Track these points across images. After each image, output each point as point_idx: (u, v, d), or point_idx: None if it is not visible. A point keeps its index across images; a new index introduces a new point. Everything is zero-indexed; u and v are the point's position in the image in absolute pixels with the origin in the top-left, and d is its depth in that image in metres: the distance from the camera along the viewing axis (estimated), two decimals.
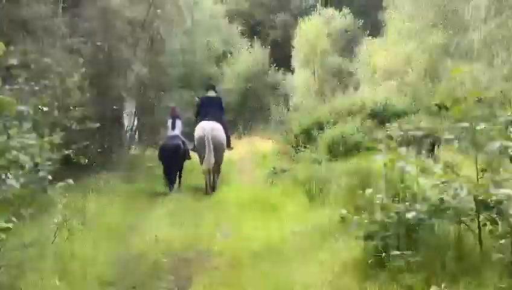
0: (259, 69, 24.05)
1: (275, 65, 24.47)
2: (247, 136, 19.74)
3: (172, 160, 9.09)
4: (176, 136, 9.49)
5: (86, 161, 5.38)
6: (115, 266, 4.89)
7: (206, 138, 8.84)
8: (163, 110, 12.28)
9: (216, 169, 9.25)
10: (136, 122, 12.47)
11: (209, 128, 9.02)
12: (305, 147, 10.76)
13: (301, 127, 11.98)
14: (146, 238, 5.80)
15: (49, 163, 3.69)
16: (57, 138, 3.55)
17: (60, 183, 3.54)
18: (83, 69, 6.98)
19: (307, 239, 5.38)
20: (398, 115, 11.28)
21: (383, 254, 3.89)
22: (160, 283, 4.53)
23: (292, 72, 24.18)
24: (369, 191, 4.42)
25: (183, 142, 9.45)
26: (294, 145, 11.37)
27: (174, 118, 9.72)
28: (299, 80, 22.94)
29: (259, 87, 23.83)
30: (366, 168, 7.05)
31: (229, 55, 24.26)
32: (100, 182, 8.57)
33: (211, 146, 8.82)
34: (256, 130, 21.64)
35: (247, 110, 23.40)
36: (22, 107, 3.67)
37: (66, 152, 5.04)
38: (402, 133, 7.04)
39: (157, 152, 9.84)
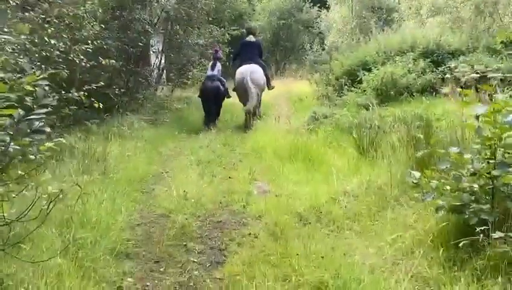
0: (293, 5, 22.61)
1: (309, 0, 22.90)
2: (280, 77, 18.67)
3: (212, 100, 9.40)
4: (214, 76, 9.67)
5: (101, 105, 4.42)
6: (136, 232, 4.07)
7: (245, 82, 9.00)
8: (193, 47, 11.74)
9: (254, 108, 9.54)
10: (163, 61, 11.68)
11: (248, 71, 9.14)
12: (349, 90, 9.65)
13: (344, 67, 10.83)
14: (173, 194, 4.97)
15: (45, 110, 2.72)
16: (40, 77, 2.54)
17: (48, 144, 2.59)
18: None
19: (361, 202, 4.46)
20: (453, 54, 9.97)
21: (481, 236, 2.90)
22: (188, 255, 3.69)
23: (328, 8, 22.45)
24: (454, 149, 3.40)
25: (223, 83, 9.72)
26: (336, 88, 10.24)
27: (216, 59, 9.92)
28: (336, 17, 21.32)
29: (293, 25, 22.44)
30: (427, 115, 5.99)
31: None
32: (124, 125, 7.94)
33: (251, 91, 8.95)
34: (289, 70, 20.85)
35: (279, 49, 22.27)
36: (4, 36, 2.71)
37: (76, 94, 4.12)
38: (477, 74, 5.87)
39: (185, 93, 10.24)
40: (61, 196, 2.34)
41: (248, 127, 9.12)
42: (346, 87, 9.80)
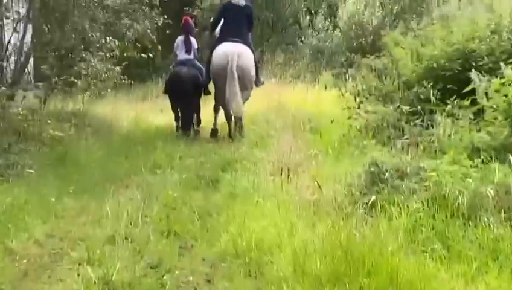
0: None
1: None
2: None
3: (184, 98, 11.09)
4: (190, 61, 11.43)
5: None
6: None
7: (230, 70, 10.37)
8: (92, 14, 12.12)
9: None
10: (29, 39, 11.31)
11: (235, 54, 10.49)
12: (444, 115, 8.14)
13: (425, 62, 9.52)
14: None
15: None
16: None
17: None
18: None
19: None
20: None
21: None
22: None
23: None
24: None
25: (201, 72, 11.38)
26: (411, 108, 8.85)
27: (188, 34, 11.57)
28: None
29: None
30: None
31: None
32: None
33: (236, 84, 10.29)
34: (272, 64, 20.97)
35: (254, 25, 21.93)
36: None
37: None
38: None
39: (73, 104, 11.89)
40: None
41: (238, 135, 10.55)
42: (438, 108, 8.18)
